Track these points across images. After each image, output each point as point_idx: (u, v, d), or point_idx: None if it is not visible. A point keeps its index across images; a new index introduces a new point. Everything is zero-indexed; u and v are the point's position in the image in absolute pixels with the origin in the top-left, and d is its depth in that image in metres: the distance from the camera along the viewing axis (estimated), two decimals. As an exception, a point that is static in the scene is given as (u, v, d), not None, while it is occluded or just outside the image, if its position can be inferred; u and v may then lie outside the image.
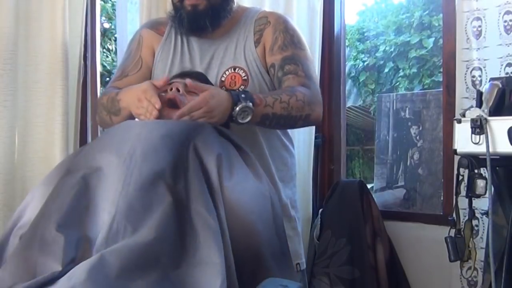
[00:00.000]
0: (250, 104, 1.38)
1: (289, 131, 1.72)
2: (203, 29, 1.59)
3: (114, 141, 1.26)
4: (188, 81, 1.39)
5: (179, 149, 1.19)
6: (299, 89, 1.51)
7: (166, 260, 1.03)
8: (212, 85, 1.51)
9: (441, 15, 2.70)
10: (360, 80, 6.68)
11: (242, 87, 1.57)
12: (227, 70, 1.60)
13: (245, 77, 1.58)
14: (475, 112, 1.32)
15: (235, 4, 1.66)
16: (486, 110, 1.34)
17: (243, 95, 1.39)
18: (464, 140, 1.33)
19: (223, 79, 1.59)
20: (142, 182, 1.12)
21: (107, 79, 6.08)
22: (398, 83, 6.35)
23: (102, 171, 1.17)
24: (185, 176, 1.15)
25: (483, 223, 1.81)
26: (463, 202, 1.41)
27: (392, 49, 6.41)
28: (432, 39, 6.02)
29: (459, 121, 1.35)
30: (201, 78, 1.54)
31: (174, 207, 1.09)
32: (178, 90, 1.43)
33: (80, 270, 0.97)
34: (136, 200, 1.10)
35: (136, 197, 1.10)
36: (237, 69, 1.60)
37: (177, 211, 1.09)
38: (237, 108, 1.37)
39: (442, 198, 2.29)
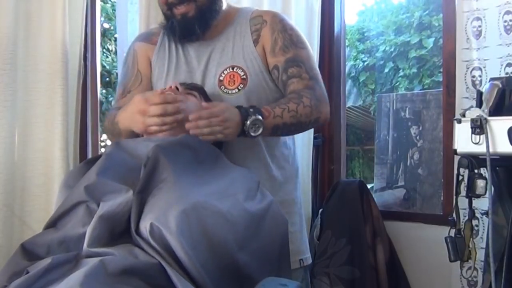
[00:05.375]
0: (260, 117, 1.42)
1: None
2: (193, 34, 1.61)
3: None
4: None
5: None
6: (304, 94, 1.53)
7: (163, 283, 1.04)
8: (210, 100, 1.54)
9: (441, 15, 2.70)
10: (360, 80, 6.67)
11: (241, 86, 1.58)
12: (225, 69, 1.60)
13: (244, 76, 1.59)
14: (475, 112, 1.32)
15: (224, 3, 1.66)
16: (486, 110, 1.34)
17: (251, 109, 1.43)
18: (464, 140, 1.33)
19: (221, 78, 1.59)
20: None
21: (107, 79, 6.08)
22: (398, 83, 6.34)
23: None
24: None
25: (483, 223, 1.81)
26: (463, 202, 1.41)
27: (392, 49, 6.41)
28: (432, 39, 6.02)
29: (459, 121, 1.35)
30: (200, 89, 1.55)
31: None
32: (177, 89, 1.45)
33: (78, 273, 0.98)
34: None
35: None
36: (235, 68, 1.60)
37: None
38: (248, 122, 1.41)
39: (442, 198, 2.29)
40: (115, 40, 5.75)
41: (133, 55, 1.72)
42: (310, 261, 1.75)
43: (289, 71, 1.58)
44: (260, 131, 1.43)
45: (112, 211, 1.14)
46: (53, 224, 1.21)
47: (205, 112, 1.37)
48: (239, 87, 1.58)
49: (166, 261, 1.06)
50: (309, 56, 1.65)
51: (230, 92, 1.58)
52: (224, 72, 1.60)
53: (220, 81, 1.59)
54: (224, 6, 1.65)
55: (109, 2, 5.99)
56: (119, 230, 1.15)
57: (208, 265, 1.09)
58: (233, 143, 1.53)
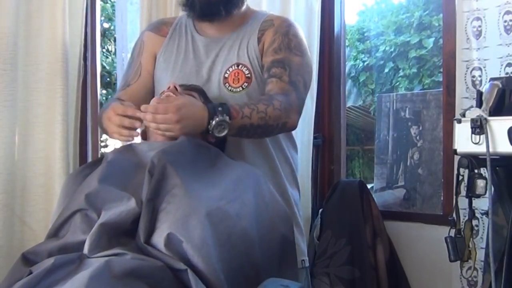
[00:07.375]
0: (227, 117, 1.36)
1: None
2: (216, 15, 1.58)
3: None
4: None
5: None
6: (276, 96, 1.48)
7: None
8: (211, 101, 1.50)
9: (441, 15, 2.70)
10: (360, 80, 6.67)
11: (245, 84, 1.57)
12: (231, 66, 1.60)
13: (249, 75, 1.58)
14: (475, 112, 1.33)
15: (246, 1, 1.66)
16: (486, 110, 1.34)
17: (220, 108, 1.36)
18: (464, 140, 1.33)
19: (226, 75, 1.59)
20: None
21: (107, 79, 6.08)
22: (398, 83, 6.34)
23: None
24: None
25: (483, 223, 1.81)
26: (463, 202, 1.41)
27: (392, 49, 6.40)
28: (432, 39, 6.01)
29: (459, 121, 1.35)
30: (199, 90, 1.55)
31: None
32: (176, 89, 1.45)
33: (83, 275, 0.98)
34: None
35: None
36: (240, 66, 1.59)
37: None
38: (213, 122, 1.35)
39: (442, 198, 2.29)
40: (115, 40, 5.74)
41: (140, 45, 1.72)
42: (308, 263, 1.75)
43: (272, 71, 1.55)
44: (225, 132, 1.37)
45: (114, 219, 1.15)
46: (54, 234, 1.22)
47: (151, 107, 1.33)
48: (243, 86, 1.57)
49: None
50: (301, 65, 1.59)
51: (234, 90, 1.57)
52: (230, 69, 1.59)
53: (225, 78, 1.59)
54: (245, 5, 1.65)
55: (109, 2, 5.99)
56: (120, 238, 1.15)
57: (223, 268, 1.11)
58: (241, 143, 1.53)
